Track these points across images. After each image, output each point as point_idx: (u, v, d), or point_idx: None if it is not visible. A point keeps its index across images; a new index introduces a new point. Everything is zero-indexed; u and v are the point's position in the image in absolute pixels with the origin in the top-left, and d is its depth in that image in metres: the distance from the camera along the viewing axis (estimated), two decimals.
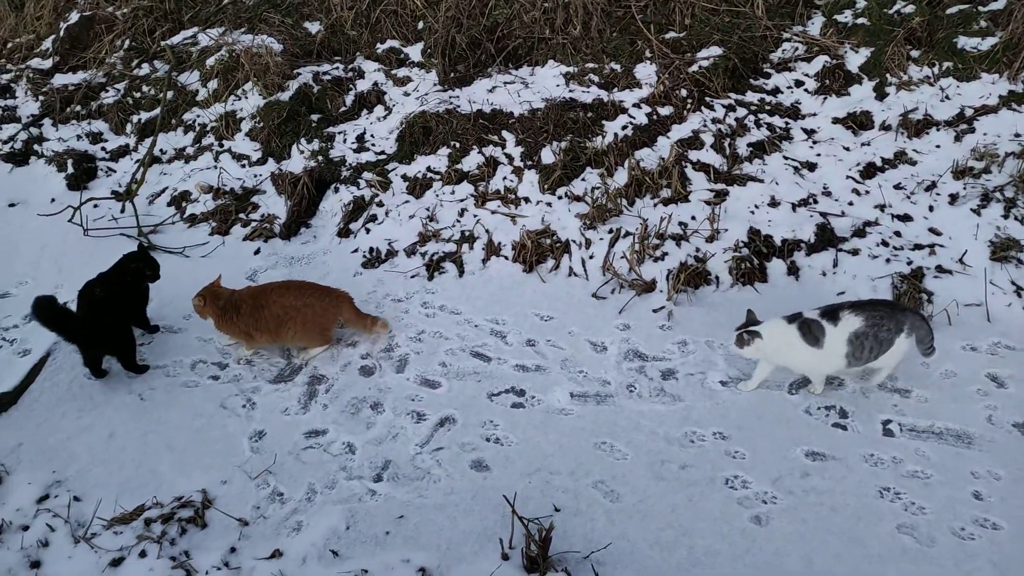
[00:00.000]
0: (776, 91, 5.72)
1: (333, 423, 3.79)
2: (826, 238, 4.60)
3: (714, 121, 5.38)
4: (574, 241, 4.87)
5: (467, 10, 6.35)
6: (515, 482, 3.39)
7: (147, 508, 3.31)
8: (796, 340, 3.49)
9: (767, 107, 5.58)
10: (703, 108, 5.49)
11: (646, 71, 5.82)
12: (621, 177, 5.15)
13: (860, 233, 4.62)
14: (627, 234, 4.81)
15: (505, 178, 5.33)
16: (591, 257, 4.78)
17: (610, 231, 4.85)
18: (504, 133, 5.56)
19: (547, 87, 5.84)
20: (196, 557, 3.09)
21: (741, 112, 5.49)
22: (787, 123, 5.46)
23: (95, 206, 5.70)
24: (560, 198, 5.12)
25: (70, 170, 6.12)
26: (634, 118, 5.45)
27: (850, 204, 4.83)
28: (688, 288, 4.50)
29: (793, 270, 4.53)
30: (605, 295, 4.57)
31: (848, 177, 4.98)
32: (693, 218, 4.84)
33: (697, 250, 4.66)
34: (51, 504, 3.38)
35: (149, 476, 3.53)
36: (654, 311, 4.40)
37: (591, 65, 5.99)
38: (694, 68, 5.71)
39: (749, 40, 5.91)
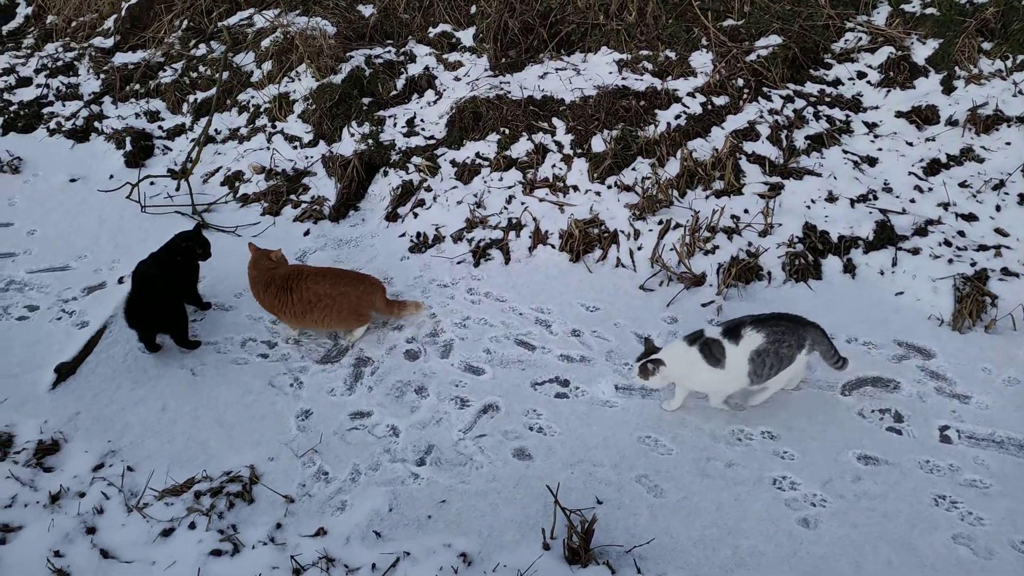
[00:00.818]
0: (837, 82, 5.54)
1: (378, 405, 3.82)
2: (885, 236, 4.45)
3: (771, 112, 5.25)
4: (623, 231, 4.80)
5: None
6: (557, 472, 3.37)
7: (197, 481, 3.38)
8: (698, 361, 3.35)
9: (827, 99, 5.41)
10: (760, 98, 5.36)
11: (702, 59, 5.70)
12: (673, 168, 5.06)
13: (922, 232, 4.46)
14: (677, 226, 4.73)
15: (554, 166, 5.28)
16: (639, 248, 4.72)
17: (660, 222, 4.78)
18: (554, 120, 5.51)
19: (599, 74, 5.76)
20: (243, 531, 3.15)
21: (800, 103, 5.34)
22: (847, 116, 5.30)
23: (152, 183, 5.83)
24: (609, 187, 5.06)
25: (128, 147, 6.27)
26: (688, 107, 5.34)
27: (912, 201, 4.66)
28: (739, 283, 4.41)
29: (849, 268, 4.40)
30: (653, 287, 4.51)
31: (911, 173, 4.81)
32: (746, 211, 4.73)
33: (749, 244, 4.56)
34: (106, 473, 3.47)
35: (199, 450, 3.61)
36: (703, 305, 4.33)
37: (645, 52, 5.89)
38: (752, 57, 5.57)
39: (810, 29, 5.74)
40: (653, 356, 3.37)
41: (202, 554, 3.04)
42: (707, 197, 4.88)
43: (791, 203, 4.72)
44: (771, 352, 3.29)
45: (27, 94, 7.07)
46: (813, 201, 4.71)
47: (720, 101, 5.39)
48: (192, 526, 3.16)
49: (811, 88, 5.50)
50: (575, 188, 5.13)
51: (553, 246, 4.85)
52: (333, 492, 3.35)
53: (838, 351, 3.46)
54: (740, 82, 5.44)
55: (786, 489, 3.23)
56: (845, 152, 5.02)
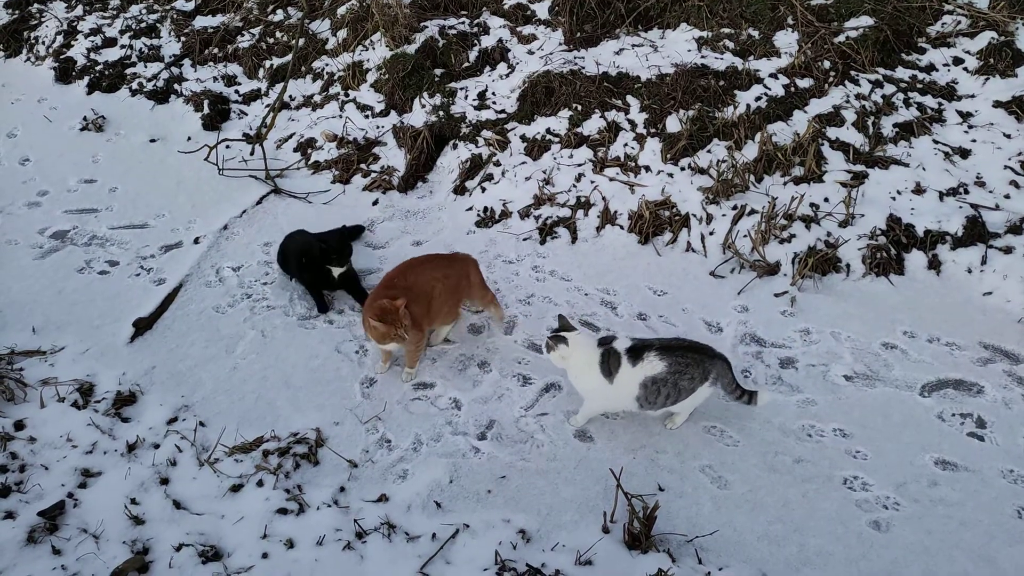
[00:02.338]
0: (931, 68, 5.26)
1: (441, 378, 3.84)
2: (976, 232, 4.23)
3: (858, 97, 5.02)
4: (695, 215, 4.69)
5: None
6: (619, 456, 3.34)
7: (265, 440, 3.46)
8: (594, 364, 3.22)
9: (919, 85, 5.15)
10: (847, 82, 5.13)
11: (786, 39, 5.48)
12: (750, 151, 4.90)
13: (1016, 230, 4.22)
14: (752, 212, 4.59)
15: (626, 145, 5.17)
16: (711, 233, 4.60)
17: (734, 207, 4.64)
18: (628, 98, 5.38)
19: (678, 52, 5.60)
20: (308, 492, 3.22)
21: (889, 89, 5.09)
22: (940, 104, 5.03)
23: (227, 147, 5.94)
24: (683, 169, 4.93)
25: (206, 110, 6.40)
26: (769, 89, 5.15)
27: (1006, 197, 4.41)
28: (815, 274, 4.27)
29: (935, 264, 4.21)
30: (724, 274, 4.40)
31: (1007, 167, 4.55)
32: (826, 200, 4.55)
33: (828, 234, 4.40)
34: (179, 426, 3.58)
35: (267, 409, 3.69)
36: (776, 295, 4.20)
37: (726, 30, 5.69)
38: (840, 38, 5.32)
39: (905, 11, 5.45)
40: (561, 333, 3.28)
41: (269, 511, 3.12)
42: (785, 183, 4.71)
43: (875, 193, 4.52)
44: (669, 382, 3.16)
45: (112, 54, 7.26)
46: (899, 192, 4.50)
47: (804, 83, 5.17)
48: (260, 484, 3.24)
49: (902, 73, 5.23)
50: (647, 168, 5.02)
51: (622, 227, 4.77)
52: (395, 460, 3.39)
53: (740, 386, 3.26)
54: (826, 64, 5.22)
55: (857, 489, 3.13)
56: (936, 142, 4.77)
